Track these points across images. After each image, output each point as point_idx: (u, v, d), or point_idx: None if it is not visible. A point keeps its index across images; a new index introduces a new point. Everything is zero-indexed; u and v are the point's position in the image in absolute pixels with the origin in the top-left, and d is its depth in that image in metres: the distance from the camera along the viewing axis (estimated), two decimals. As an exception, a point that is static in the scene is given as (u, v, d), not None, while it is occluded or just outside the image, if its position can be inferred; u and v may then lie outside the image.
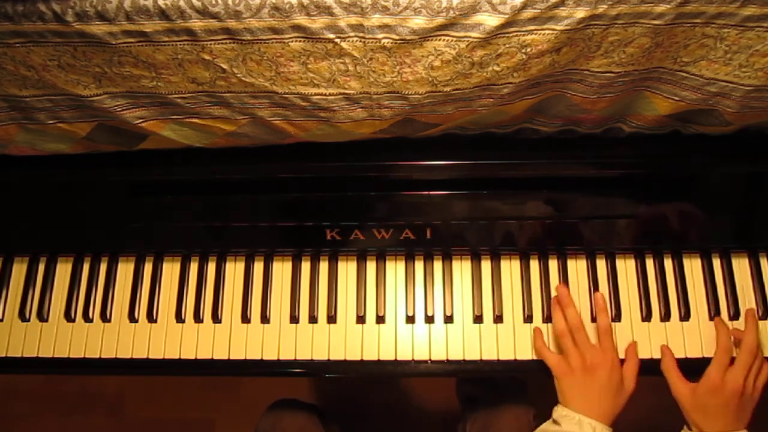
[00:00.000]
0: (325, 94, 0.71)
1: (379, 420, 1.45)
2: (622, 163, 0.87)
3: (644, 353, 0.86)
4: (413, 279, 0.91)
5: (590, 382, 0.78)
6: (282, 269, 0.92)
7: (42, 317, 0.91)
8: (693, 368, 0.82)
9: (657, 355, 0.86)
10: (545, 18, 0.62)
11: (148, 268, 0.93)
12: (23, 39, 0.66)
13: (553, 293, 0.89)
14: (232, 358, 0.88)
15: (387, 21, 0.63)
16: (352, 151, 0.84)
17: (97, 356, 0.89)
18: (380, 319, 0.89)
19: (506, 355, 0.87)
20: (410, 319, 0.89)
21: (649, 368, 0.84)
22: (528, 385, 1.06)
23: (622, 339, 0.86)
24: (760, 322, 0.87)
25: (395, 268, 0.91)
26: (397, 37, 0.64)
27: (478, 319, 0.88)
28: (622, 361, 0.82)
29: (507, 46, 0.65)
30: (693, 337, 0.87)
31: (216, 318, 0.90)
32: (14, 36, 0.65)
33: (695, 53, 0.70)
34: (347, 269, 0.92)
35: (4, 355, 0.90)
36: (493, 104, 0.74)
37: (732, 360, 0.80)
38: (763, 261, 0.90)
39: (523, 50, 0.65)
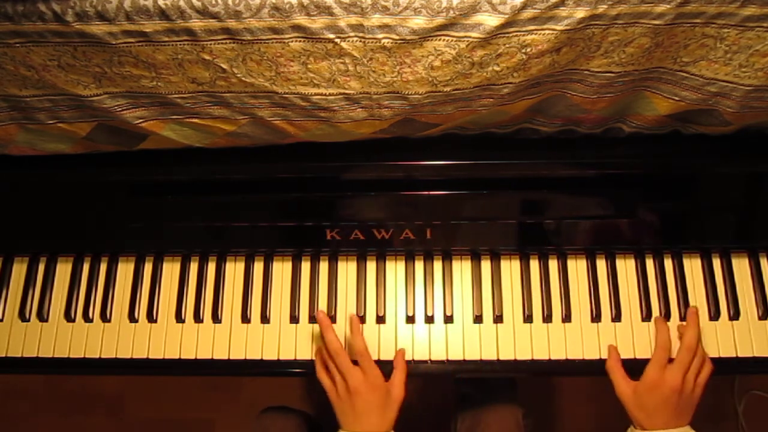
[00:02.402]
0: (325, 94, 0.71)
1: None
2: (622, 163, 0.87)
3: (644, 353, 0.86)
4: (413, 279, 0.91)
5: (357, 403, 0.79)
6: (282, 269, 0.92)
7: (42, 317, 0.91)
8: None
9: (657, 355, 0.86)
10: (545, 18, 0.62)
11: (148, 268, 0.93)
12: (23, 39, 0.66)
13: (554, 294, 0.89)
14: (232, 358, 0.88)
15: (387, 21, 0.63)
16: (352, 151, 0.84)
17: (97, 356, 0.89)
18: (380, 319, 0.89)
19: (506, 355, 0.87)
20: (410, 319, 0.89)
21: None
22: (518, 385, 1.06)
23: (622, 339, 0.87)
24: (760, 322, 0.87)
25: (395, 268, 0.92)
26: (397, 37, 0.64)
27: (478, 319, 0.88)
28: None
29: (507, 46, 0.65)
30: (693, 337, 0.87)
31: (216, 318, 0.90)
32: (14, 36, 0.65)
33: (695, 53, 0.70)
34: (347, 269, 0.92)
35: (4, 355, 0.90)
36: (493, 104, 0.74)
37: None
38: (763, 261, 0.90)
39: (523, 50, 0.65)
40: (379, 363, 0.87)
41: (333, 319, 0.89)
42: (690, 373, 0.79)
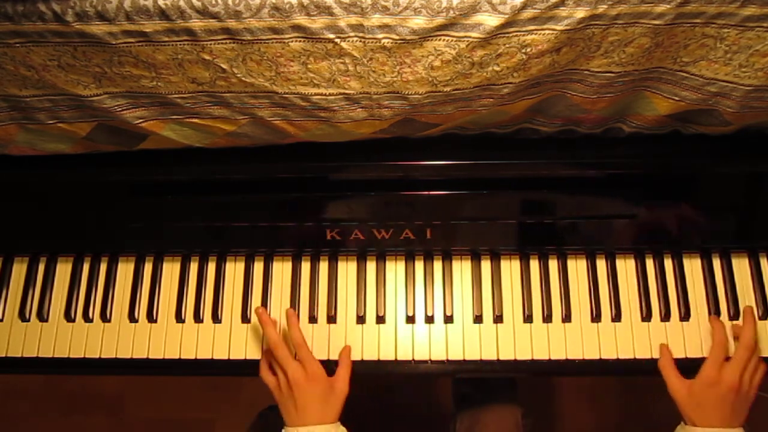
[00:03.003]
0: (325, 94, 0.71)
1: (372, 420, 1.45)
2: (622, 163, 0.87)
3: (644, 353, 0.86)
4: (413, 279, 0.91)
5: (298, 396, 0.79)
6: (282, 269, 0.92)
7: (42, 317, 0.91)
8: (693, 368, 0.82)
9: (657, 356, 0.85)
10: (545, 18, 0.62)
11: (148, 268, 0.93)
12: (23, 39, 0.66)
13: (554, 294, 0.89)
14: (232, 358, 0.88)
15: (387, 21, 0.63)
16: (352, 151, 0.84)
17: (97, 356, 0.89)
18: (380, 319, 0.89)
19: (506, 355, 0.87)
20: (410, 319, 0.89)
21: (650, 368, 0.84)
22: (518, 385, 1.06)
23: (622, 339, 0.87)
24: (760, 323, 0.87)
25: (395, 268, 0.92)
26: (397, 37, 0.64)
27: (478, 319, 0.88)
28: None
29: (507, 46, 0.65)
30: (693, 337, 0.87)
31: (216, 318, 0.90)
32: (14, 36, 0.65)
33: (695, 53, 0.70)
34: (347, 269, 0.92)
35: (4, 355, 0.90)
36: (493, 104, 0.74)
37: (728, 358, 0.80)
38: (763, 261, 0.90)
39: (523, 50, 0.65)
40: (380, 363, 0.87)
41: (333, 320, 0.89)
42: (747, 372, 0.79)
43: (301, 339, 0.82)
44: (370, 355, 0.88)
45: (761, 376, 0.80)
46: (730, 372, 0.78)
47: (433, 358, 0.87)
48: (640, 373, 0.82)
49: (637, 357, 0.86)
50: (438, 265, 0.91)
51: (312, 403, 0.79)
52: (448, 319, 0.89)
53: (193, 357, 0.89)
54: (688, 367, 0.82)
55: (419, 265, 0.91)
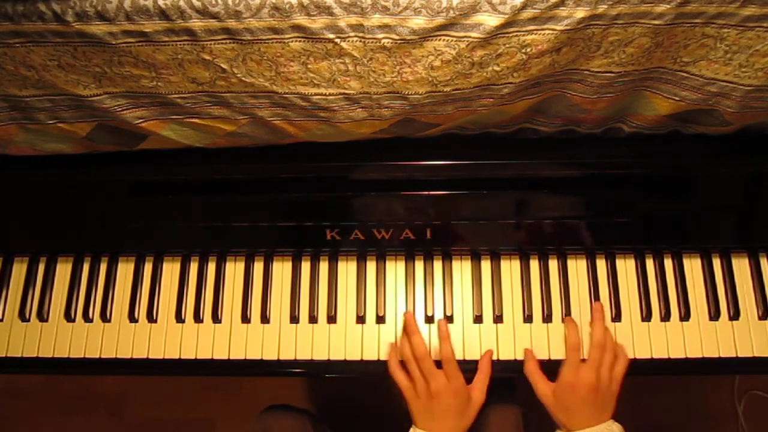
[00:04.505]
0: (325, 94, 0.71)
1: (372, 421, 1.45)
2: (622, 163, 0.87)
3: (644, 353, 0.86)
4: (413, 279, 0.91)
5: (436, 406, 0.80)
6: (282, 269, 0.92)
7: (42, 317, 0.91)
8: (695, 368, 0.82)
9: (657, 356, 0.86)
10: (545, 18, 0.62)
11: (148, 268, 0.93)
12: (23, 39, 0.66)
13: (554, 294, 0.89)
14: (232, 358, 0.88)
15: (387, 21, 0.63)
16: (352, 151, 0.84)
17: (97, 356, 0.89)
18: (380, 319, 0.89)
19: (506, 355, 0.87)
20: (410, 319, 0.89)
21: (649, 368, 0.84)
22: (518, 385, 1.06)
23: (622, 339, 0.87)
24: (760, 322, 0.87)
25: (395, 268, 0.92)
26: (397, 37, 0.64)
27: (478, 319, 0.88)
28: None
29: (507, 46, 0.65)
30: (693, 336, 0.87)
31: (216, 318, 0.90)
32: (14, 36, 0.65)
33: (695, 53, 0.70)
34: (347, 269, 0.92)
35: (4, 355, 0.90)
36: (493, 104, 0.74)
37: None
38: (763, 261, 0.90)
39: (523, 50, 0.65)
40: (380, 363, 0.87)
41: (333, 320, 0.89)
42: (603, 369, 0.80)
43: (451, 353, 0.82)
44: (370, 355, 0.87)
45: (623, 369, 0.82)
46: (585, 373, 0.80)
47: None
48: (640, 373, 0.82)
49: (637, 357, 0.86)
50: (438, 265, 0.91)
51: (449, 414, 0.80)
52: (448, 319, 0.89)
53: (193, 357, 0.89)
54: (689, 367, 0.82)
55: (419, 265, 0.91)
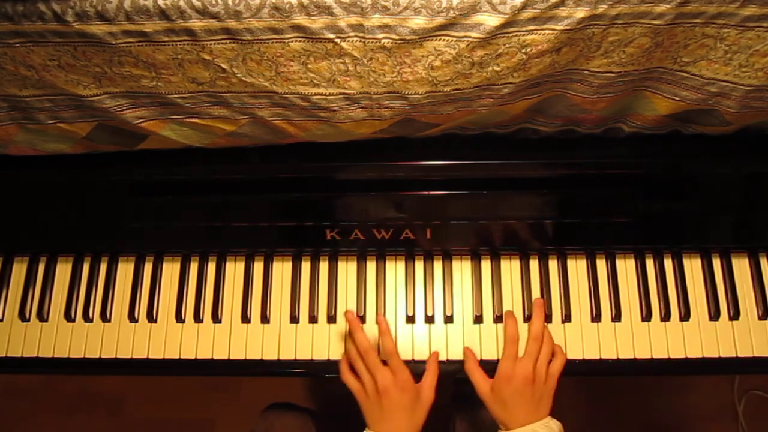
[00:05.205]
0: (325, 94, 0.71)
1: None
2: (622, 163, 0.87)
3: (644, 353, 0.86)
4: (413, 279, 0.91)
5: (385, 404, 0.79)
6: (282, 269, 0.92)
7: (42, 317, 0.91)
8: (695, 368, 0.82)
9: (657, 356, 0.86)
10: (545, 18, 0.62)
11: (148, 268, 0.93)
12: (23, 39, 0.66)
13: (554, 294, 0.89)
14: (232, 358, 0.88)
15: (387, 21, 0.63)
16: (353, 151, 0.84)
17: (97, 356, 0.89)
18: (380, 319, 0.89)
19: (506, 355, 0.87)
20: (410, 319, 0.89)
21: (650, 368, 0.84)
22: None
23: (622, 339, 0.87)
24: (760, 322, 0.87)
25: (395, 268, 0.92)
26: (397, 37, 0.64)
27: (478, 319, 0.88)
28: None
29: (507, 46, 0.65)
30: (693, 336, 0.87)
31: (216, 318, 0.90)
32: (14, 36, 0.65)
33: (695, 53, 0.70)
34: (347, 269, 0.92)
35: (4, 355, 0.90)
36: (493, 104, 0.74)
37: None
38: (763, 261, 0.90)
39: (523, 50, 0.65)
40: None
41: (333, 320, 0.89)
42: (540, 363, 0.81)
43: (394, 348, 0.83)
44: (370, 355, 0.87)
45: (559, 366, 0.82)
46: (521, 365, 0.80)
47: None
48: (639, 373, 0.82)
49: (637, 357, 0.86)
50: (438, 265, 0.91)
51: (399, 411, 0.79)
52: (448, 319, 0.89)
53: (193, 357, 0.89)
54: (689, 367, 0.82)
55: (419, 265, 0.91)
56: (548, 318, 0.88)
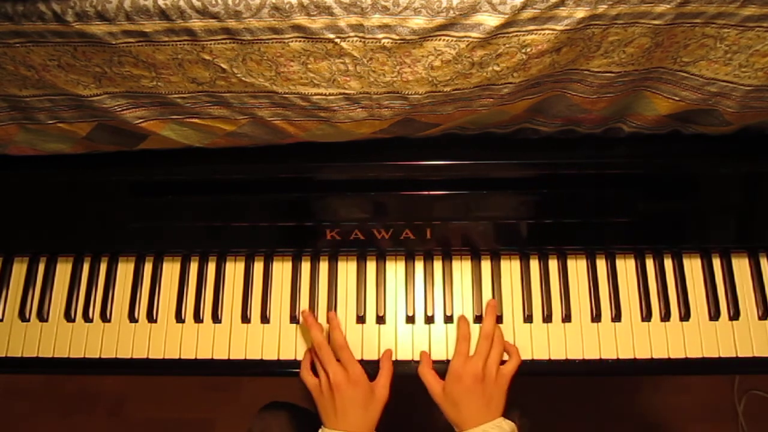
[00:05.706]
0: (325, 94, 0.71)
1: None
2: (622, 163, 0.87)
3: (644, 353, 0.86)
4: (413, 279, 0.91)
5: (338, 399, 0.79)
6: (282, 269, 0.92)
7: (42, 317, 0.91)
8: (695, 368, 0.82)
9: (657, 356, 0.86)
10: (545, 18, 0.62)
11: (148, 268, 0.93)
12: (23, 39, 0.66)
13: (554, 294, 0.89)
14: (232, 358, 0.88)
15: (387, 21, 0.63)
16: (352, 151, 0.84)
17: (97, 356, 0.89)
18: (380, 319, 0.89)
19: (506, 355, 0.87)
20: (410, 319, 0.89)
21: (649, 368, 0.84)
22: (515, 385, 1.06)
23: (622, 339, 0.87)
24: (760, 322, 0.87)
25: (395, 268, 0.92)
26: (397, 37, 0.64)
27: (477, 319, 0.88)
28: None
29: (507, 46, 0.65)
30: (693, 336, 0.87)
31: (216, 318, 0.90)
32: (14, 36, 0.65)
33: (695, 53, 0.70)
34: (347, 269, 0.92)
35: (4, 355, 0.90)
36: (493, 104, 0.74)
37: None
38: (763, 261, 0.90)
39: (523, 50, 0.65)
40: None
41: (333, 319, 0.89)
42: (490, 361, 0.81)
43: (343, 341, 0.83)
44: (370, 355, 0.87)
45: (513, 368, 0.82)
46: (471, 363, 0.80)
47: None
48: (639, 373, 0.82)
49: (637, 357, 0.86)
50: (438, 265, 0.91)
51: (352, 408, 0.79)
52: (448, 319, 0.89)
53: (193, 357, 0.89)
54: (689, 367, 0.82)
55: (419, 265, 0.91)
56: (548, 318, 0.88)
